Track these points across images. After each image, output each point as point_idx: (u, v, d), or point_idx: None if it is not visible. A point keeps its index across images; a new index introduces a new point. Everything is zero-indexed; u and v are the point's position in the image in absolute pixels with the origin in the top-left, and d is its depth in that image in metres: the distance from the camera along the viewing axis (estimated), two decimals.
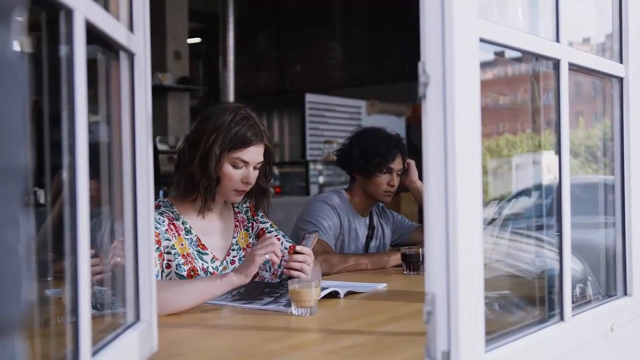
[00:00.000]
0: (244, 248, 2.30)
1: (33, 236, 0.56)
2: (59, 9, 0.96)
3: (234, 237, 2.29)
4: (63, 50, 0.99)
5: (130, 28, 1.32)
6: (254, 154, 2.16)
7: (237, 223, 2.32)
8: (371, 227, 3.07)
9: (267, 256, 1.94)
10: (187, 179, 2.15)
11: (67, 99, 0.98)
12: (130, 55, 1.32)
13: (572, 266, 1.53)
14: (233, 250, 2.28)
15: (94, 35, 1.09)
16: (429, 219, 1.15)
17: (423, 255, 2.58)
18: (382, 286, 2.29)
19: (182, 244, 2.13)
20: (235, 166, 2.15)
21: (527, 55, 1.55)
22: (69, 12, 0.97)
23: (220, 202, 2.25)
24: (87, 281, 0.99)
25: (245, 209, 2.37)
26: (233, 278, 1.93)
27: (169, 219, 2.12)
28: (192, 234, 2.17)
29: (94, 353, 1.06)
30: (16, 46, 0.54)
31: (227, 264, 2.23)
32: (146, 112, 1.36)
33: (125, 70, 1.32)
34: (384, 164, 2.90)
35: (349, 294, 2.12)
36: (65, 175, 0.99)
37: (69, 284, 0.98)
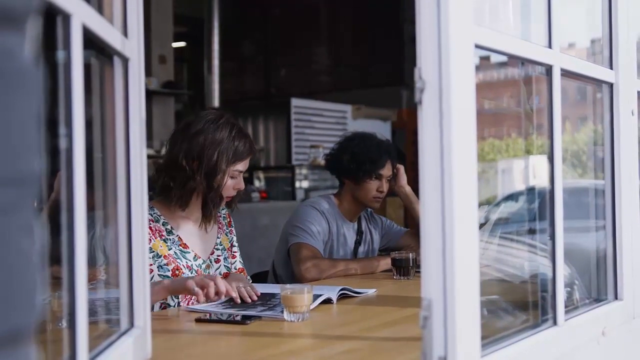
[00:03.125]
0: (227, 248, 2.40)
1: (46, 243, 0.55)
2: (57, 14, 0.95)
3: (218, 237, 2.38)
4: (60, 54, 0.98)
5: (125, 33, 1.31)
6: (247, 163, 2.29)
7: (220, 225, 2.41)
8: (359, 232, 3.07)
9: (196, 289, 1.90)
10: (189, 193, 2.21)
11: (65, 103, 0.97)
12: (125, 60, 1.31)
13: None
14: (217, 249, 2.36)
15: (89, 40, 1.08)
16: (425, 224, 1.15)
17: (413, 260, 2.60)
18: (372, 291, 2.29)
19: (161, 246, 2.18)
20: (233, 177, 2.25)
21: (513, 60, 1.56)
22: (67, 17, 0.96)
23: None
24: (84, 288, 0.98)
25: (223, 216, 2.45)
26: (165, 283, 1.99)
27: None
28: (173, 234, 2.23)
29: None
30: (30, 53, 0.54)
31: (210, 262, 2.31)
32: (140, 116, 1.35)
33: (119, 75, 1.31)
34: (374, 170, 2.90)
35: (342, 297, 2.12)
36: (62, 180, 0.98)
37: (66, 291, 0.97)
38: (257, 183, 7.48)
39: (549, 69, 1.49)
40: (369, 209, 3.12)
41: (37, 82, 0.53)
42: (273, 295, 2.12)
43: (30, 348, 0.53)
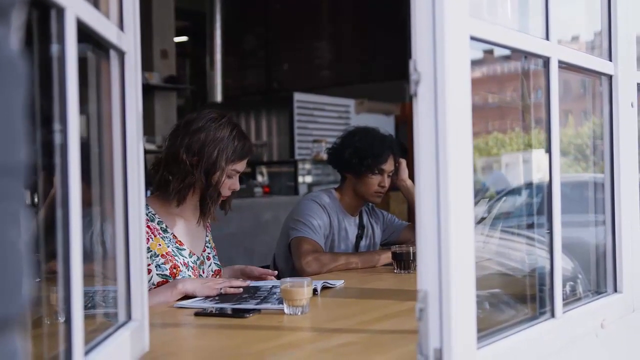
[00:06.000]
0: (213, 247, 2.45)
1: (33, 233, 0.56)
2: (50, 8, 0.95)
3: (207, 236, 2.43)
4: (54, 48, 0.98)
5: (121, 26, 1.31)
6: (245, 164, 2.33)
7: (208, 224, 2.45)
8: (361, 227, 3.07)
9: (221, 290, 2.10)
10: (187, 188, 2.24)
11: (59, 98, 0.97)
12: (121, 54, 1.31)
13: (562, 264, 1.53)
14: (208, 247, 2.41)
15: (84, 34, 1.08)
16: (420, 217, 1.15)
17: (414, 253, 2.60)
18: (340, 283, 2.32)
19: (159, 244, 2.21)
20: (229, 177, 2.28)
21: (517, 53, 1.55)
22: (60, 11, 0.96)
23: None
24: (79, 281, 0.98)
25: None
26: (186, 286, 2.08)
27: None
28: (168, 232, 2.26)
29: (86, 352, 1.06)
30: (15, 44, 0.54)
31: (203, 258, 2.37)
32: (137, 111, 1.35)
33: (115, 69, 1.31)
34: (376, 165, 2.90)
35: (324, 288, 2.17)
36: (56, 175, 0.98)
37: (61, 285, 0.97)
38: (259, 178, 7.48)
39: (546, 61, 1.49)
40: (371, 203, 3.12)
41: (22, 73, 0.54)
42: (258, 288, 2.14)
43: (16, 336, 0.54)
